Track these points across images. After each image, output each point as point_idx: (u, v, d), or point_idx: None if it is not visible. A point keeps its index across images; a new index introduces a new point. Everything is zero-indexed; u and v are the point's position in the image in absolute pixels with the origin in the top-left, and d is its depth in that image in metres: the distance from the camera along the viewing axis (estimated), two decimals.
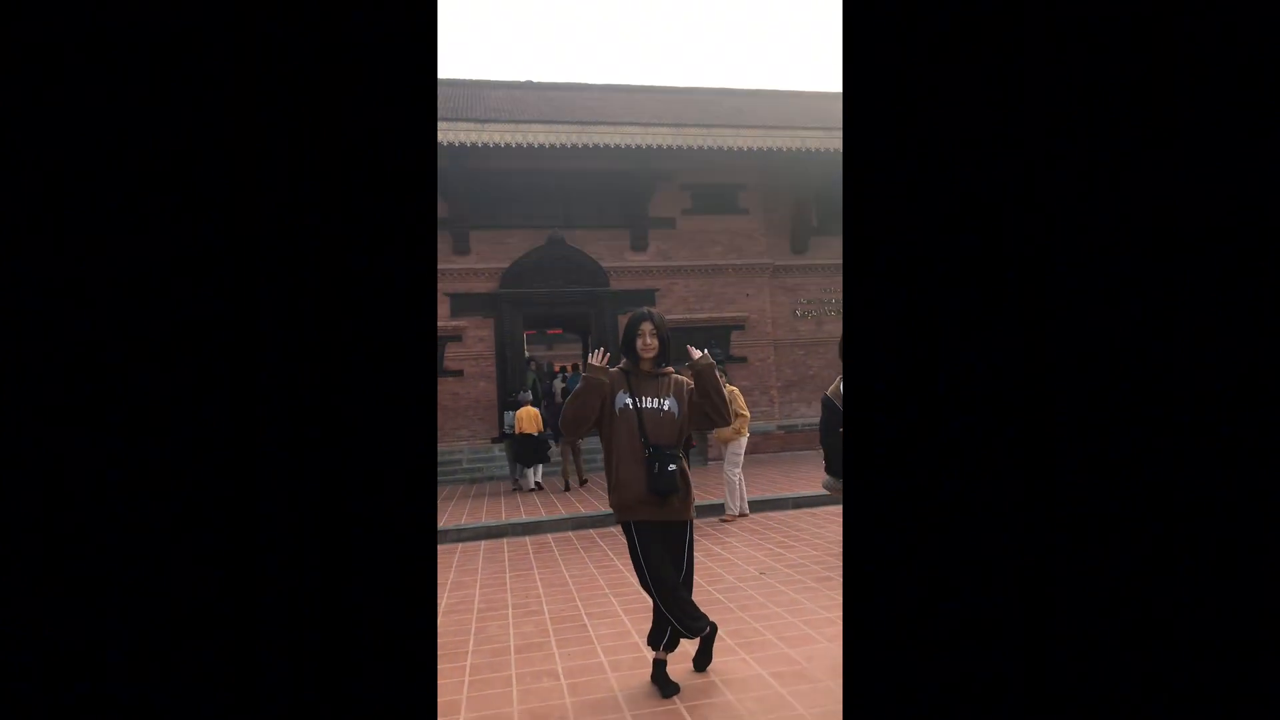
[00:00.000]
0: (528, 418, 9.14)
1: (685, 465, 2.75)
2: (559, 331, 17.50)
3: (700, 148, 11.48)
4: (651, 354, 2.75)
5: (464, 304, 11.59)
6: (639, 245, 12.55)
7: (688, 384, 2.83)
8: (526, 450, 9.16)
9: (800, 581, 4.32)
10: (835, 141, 11.92)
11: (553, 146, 11.03)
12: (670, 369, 2.83)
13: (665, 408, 2.72)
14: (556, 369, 15.40)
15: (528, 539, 6.54)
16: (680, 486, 2.68)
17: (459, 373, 11.65)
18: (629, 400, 2.72)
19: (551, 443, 9.95)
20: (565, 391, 12.71)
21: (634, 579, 4.43)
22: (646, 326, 2.74)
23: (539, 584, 4.75)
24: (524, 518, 7.16)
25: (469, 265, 11.75)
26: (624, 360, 2.82)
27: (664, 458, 2.63)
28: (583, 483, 9.44)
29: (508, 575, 5.09)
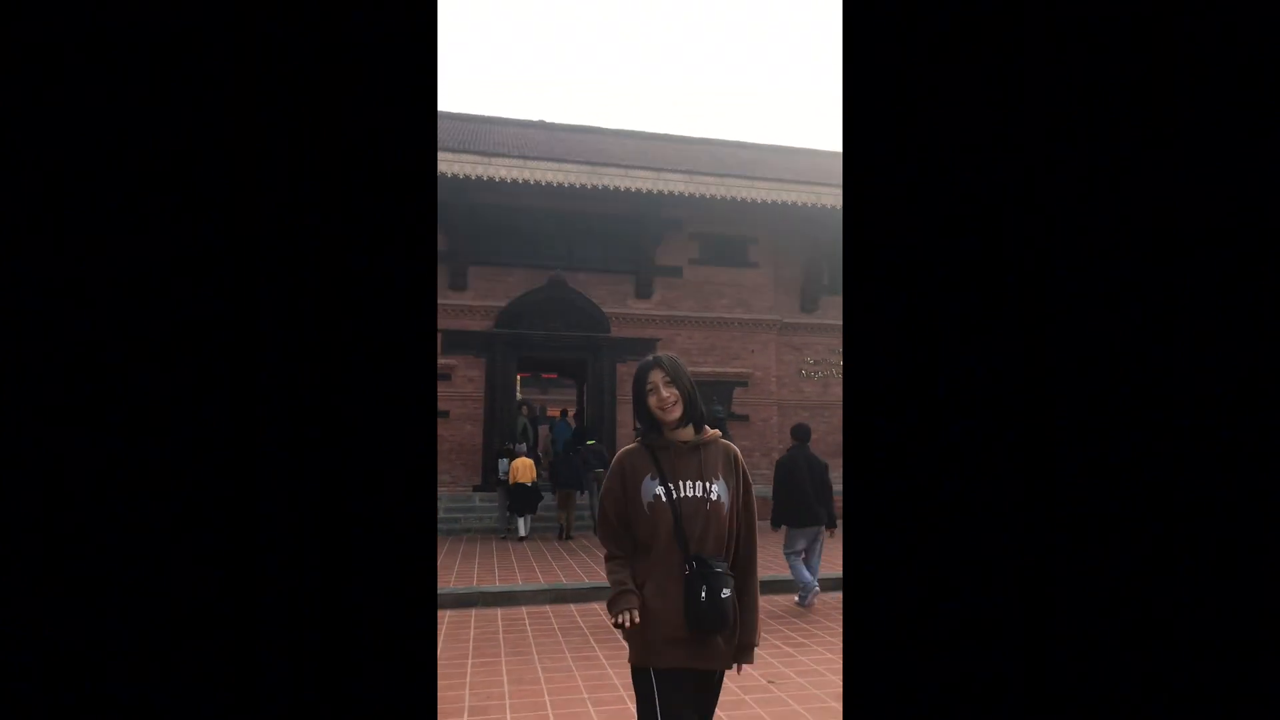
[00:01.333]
0: (523, 468, 9.36)
1: (748, 584, 1.88)
2: (554, 376, 16.98)
3: (712, 197, 11.18)
4: (673, 414, 1.86)
5: (456, 341, 11.07)
6: (644, 292, 12.13)
7: (736, 453, 1.97)
8: (520, 500, 9.35)
9: (815, 697, 3.65)
10: None
11: (560, 186, 10.71)
12: (715, 432, 1.95)
13: (714, 496, 1.83)
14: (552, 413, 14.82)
15: (499, 611, 5.84)
16: (732, 619, 1.79)
17: (445, 413, 11.04)
18: (660, 490, 1.82)
19: (543, 494, 10.02)
20: (551, 439, 12.11)
21: (622, 692, 3.76)
22: (657, 376, 1.86)
23: (504, 678, 4.07)
24: (496, 585, 6.46)
25: (464, 301, 11.29)
26: (641, 431, 1.94)
27: (714, 577, 1.75)
28: (568, 538, 9.30)
29: (469, 663, 4.40)
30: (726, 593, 1.76)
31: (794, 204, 11.40)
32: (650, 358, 1.92)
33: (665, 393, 1.86)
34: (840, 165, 13.68)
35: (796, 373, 12.78)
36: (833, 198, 11.54)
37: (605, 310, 11.72)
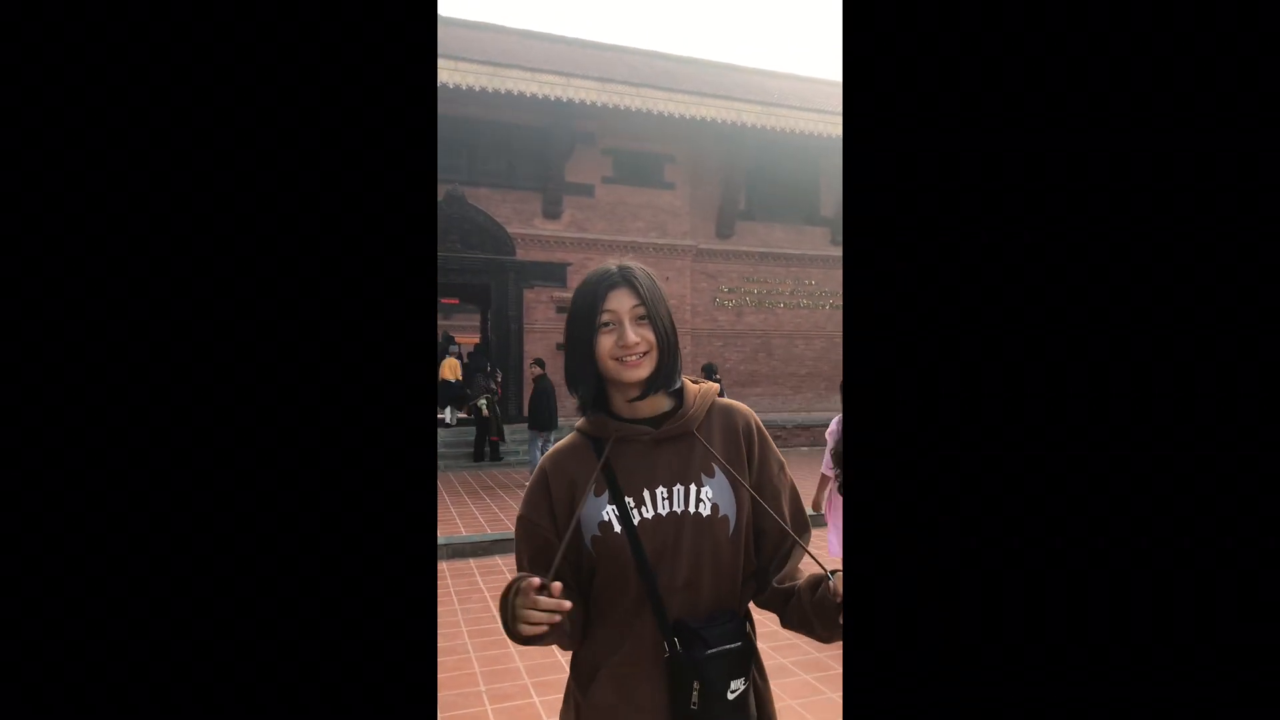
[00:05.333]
0: (448, 366, 10.51)
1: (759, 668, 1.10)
2: (455, 302, 16.13)
3: (626, 108, 10.51)
4: (638, 372, 1.04)
5: None
6: (552, 212, 11.43)
7: (747, 422, 1.13)
8: (443, 394, 10.43)
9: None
10: (772, 119, 11.28)
11: (458, 87, 9.72)
12: (704, 387, 1.14)
13: (704, 505, 1.06)
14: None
15: None
16: None
17: None
18: (611, 510, 1.05)
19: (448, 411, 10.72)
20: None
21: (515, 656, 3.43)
22: (622, 301, 1.04)
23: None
24: None
25: None
26: (581, 407, 1.12)
27: (712, 662, 0.98)
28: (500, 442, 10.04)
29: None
30: (738, 687, 0.99)
31: (713, 120, 10.91)
32: (612, 267, 1.06)
33: (633, 334, 1.02)
34: (761, 82, 13.28)
35: (711, 301, 12.60)
36: (754, 116, 11.13)
37: (510, 230, 10.95)
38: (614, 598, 1.04)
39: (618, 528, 1.03)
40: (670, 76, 11.80)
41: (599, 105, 10.36)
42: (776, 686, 3.00)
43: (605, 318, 1.04)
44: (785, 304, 13.09)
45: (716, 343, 12.58)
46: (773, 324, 13.04)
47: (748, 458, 1.10)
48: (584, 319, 1.05)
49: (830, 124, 11.60)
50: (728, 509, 1.06)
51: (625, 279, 1.05)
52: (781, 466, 1.14)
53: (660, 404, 1.09)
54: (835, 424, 3.96)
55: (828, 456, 4.00)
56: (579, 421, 1.13)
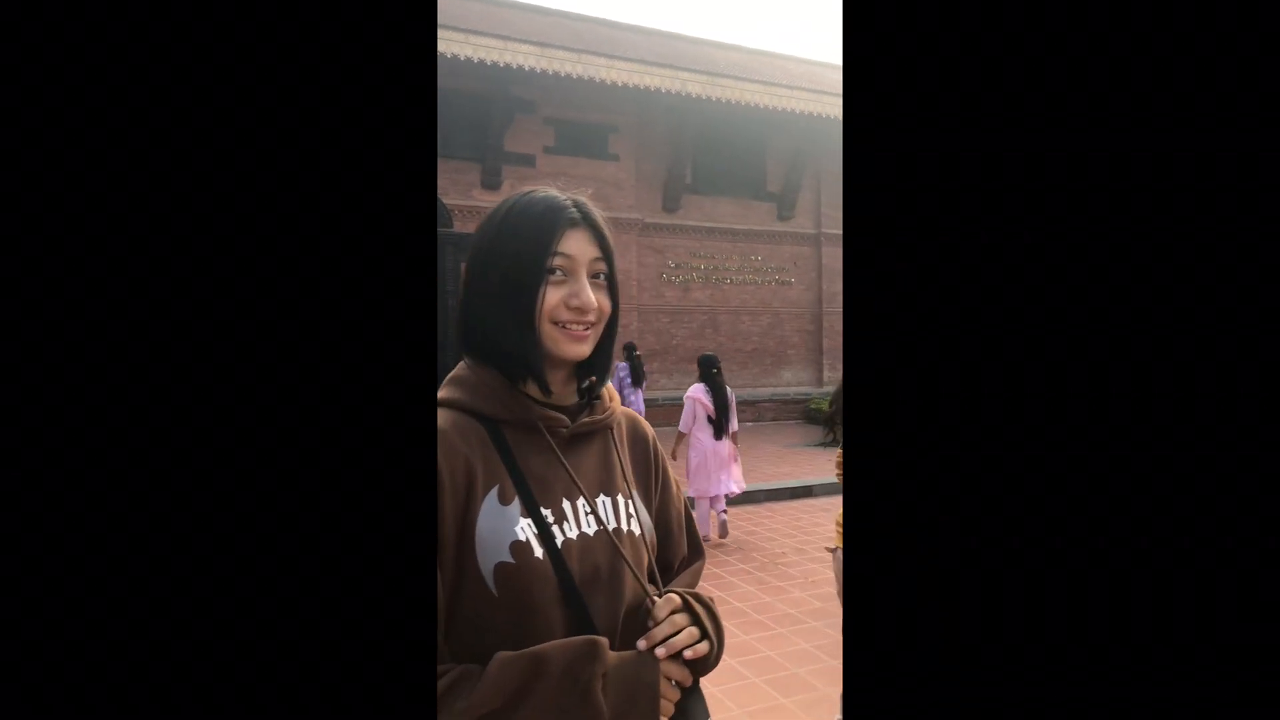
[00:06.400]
0: None
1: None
2: None
3: (568, 75, 10.35)
4: (585, 344, 0.83)
5: None
6: (491, 182, 11.20)
7: (653, 435, 0.99)
8: None
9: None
10: (718, 89, 11.31)
11: None
12: (608, 390, 0.92)
13: (635, 524, 0.87)
14: None
15: None
16: None
17: None
18: (527, 525, 0.78)
19: None
20: None
21: None
22: (583, 247, 0.82)
23: None
24: None
25: None
26: (485, 374, 0.83)
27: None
28: None
29: None
30: None
31: (659, 90, 10.87)
32: (563, 198, 0.85)
33: (591, 294, 0.82)
34: (708, 54, 13.27)
35: (658, 276, 12.66)
36: (700, 86, 11.14)
37: (446, 202, 10.69)
38: (521, 646, 0.73)
39: (538, 550, 0.77)
40: (614, 44, 11.67)
41: (539, 71, 10.17)
42: (769, 683, 3.14)
43: (558, 262, 0.80)
44: (732, 280, 13.27)
45: (664, 319, 12.68)
46: (719, 300, 13.21)
47: (655, 475, 0.94)
48: (526, 260, 0.79)
49: (777, 97, 11.72)
50: (649, 530, 0.89)
51: (586, 219, 0.83)
52: (677, 487, 0.99)
53: (570, 393, 0.87)
54: (698, 390, 5.25)
55: (687, 416, 5.24)
56: (447, 389, 0.83)
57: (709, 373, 5.38)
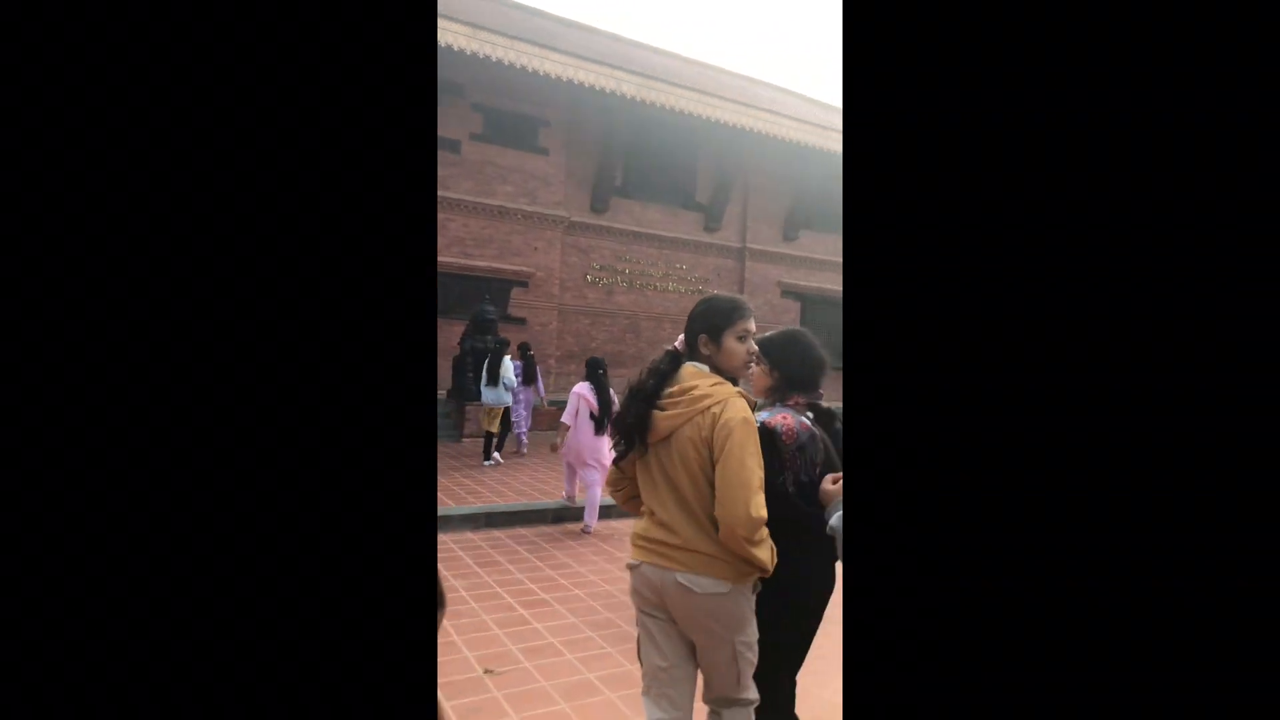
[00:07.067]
0: None
1: None
2: None
3: (499, 61, 10.21)
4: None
5: None
6: None
7: None
8: None
9: (541, 690, 2.81)
10: (652, 93, 11.45)
11: None
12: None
13: None
14: None
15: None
16: None
17: None
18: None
19: None
20: None
21: None
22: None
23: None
24: None
25: None
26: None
27: None
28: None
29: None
30: None
31: (592, 87, 10.89)
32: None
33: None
34: (644, 57, 13.37)
35: (581, 277, 12.66)
36: (633, 88, 11.24)
37: None
38: None
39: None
40: (549, 35, 11.62)
41: (468, 53, 9.99)
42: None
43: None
44: (656, 286, 13.44)
45: (584, 321, 12.68)
46: (643, 305, 13.35)
47: None
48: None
49: (711, 106, 11.98)
50: None
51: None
52: None
53: None
54: (584, 388, 5.74)
55: (570, 409, 5.74)
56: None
57: (595, 373, 5.97)
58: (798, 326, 2.08)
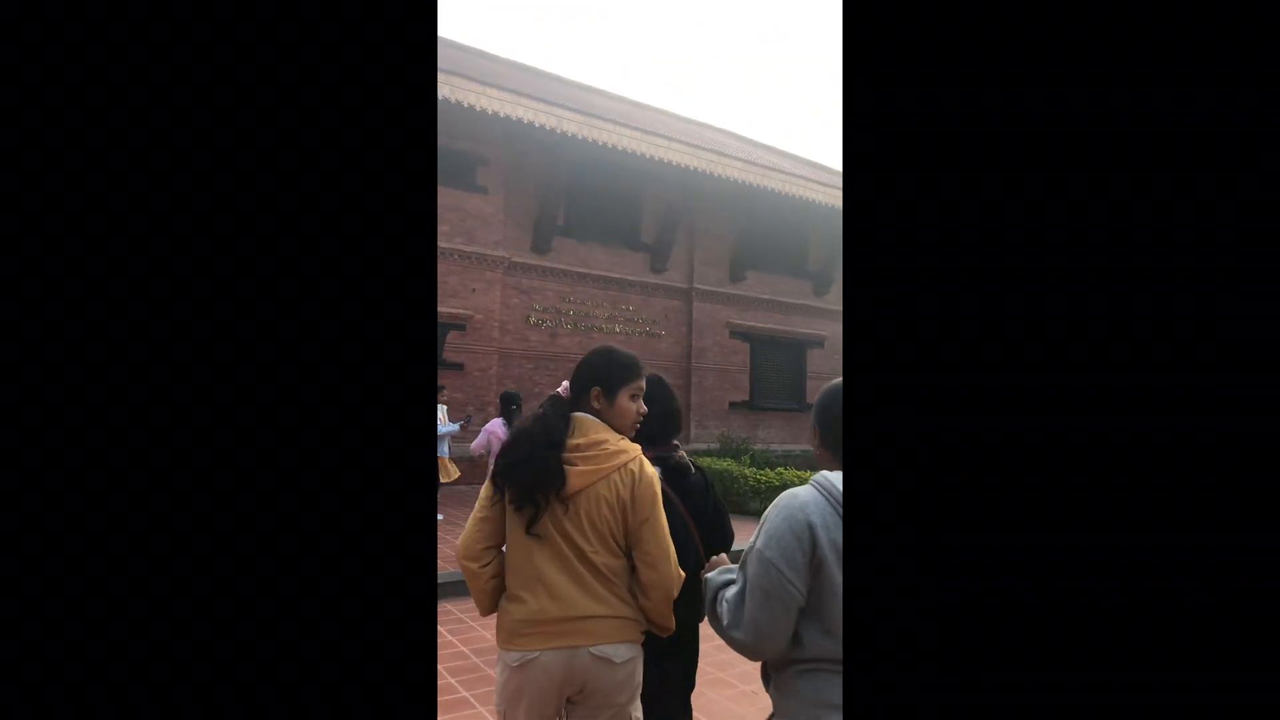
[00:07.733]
0: None
1: None
2: None
3: (438, 98, 10.30)
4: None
5: None
6: None
7: None
8: None
9: None
10: (594, 131, 11.70)
11: None
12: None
13: None
14: None
15: None
16: None
17: None
18: None
19: None
20: None
21: None
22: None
23: None
24: None
25: None
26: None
27: None
28: None
29: None
30: None
31: (533, 124, 11.06)
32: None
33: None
34: (586, 98, 13.66)
35: (523, 319, 12.63)
36: (575, 126, 11.46)
37: None
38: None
39: None
40: (488, 73, 11.79)
41: None
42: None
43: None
44: (602, 328, 13.51)
45: (527, 365, 12.61)
46: (588, 348, 13.33)
47: None
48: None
49: (655, 146, 12.30)
50: None
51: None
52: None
53: None
54: (496, 424, 5.80)
55: (479, 442, 5.82)
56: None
57: (508, 409, 6.04)
58: (653, 373, 1.96)
